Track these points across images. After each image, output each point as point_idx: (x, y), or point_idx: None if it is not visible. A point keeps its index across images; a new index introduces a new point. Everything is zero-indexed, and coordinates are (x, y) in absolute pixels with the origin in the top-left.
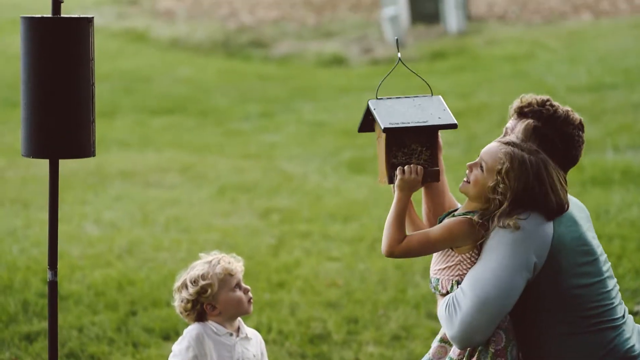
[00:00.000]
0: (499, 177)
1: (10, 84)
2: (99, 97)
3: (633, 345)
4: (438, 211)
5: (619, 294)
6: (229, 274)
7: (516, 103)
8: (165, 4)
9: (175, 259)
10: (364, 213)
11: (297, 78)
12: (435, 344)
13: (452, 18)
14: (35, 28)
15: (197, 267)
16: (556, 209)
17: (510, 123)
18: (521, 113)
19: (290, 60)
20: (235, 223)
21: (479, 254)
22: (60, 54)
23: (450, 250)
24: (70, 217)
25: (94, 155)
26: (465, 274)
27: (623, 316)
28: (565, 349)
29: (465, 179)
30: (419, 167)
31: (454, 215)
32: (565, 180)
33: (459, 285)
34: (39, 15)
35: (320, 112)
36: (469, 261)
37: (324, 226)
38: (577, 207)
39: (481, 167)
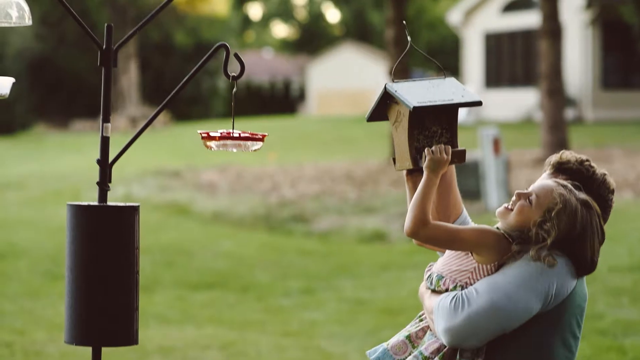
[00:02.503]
0: (547, 215)
1: (52, 257)
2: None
3: None
4: (443, 203)
5: None
6: None
7: (554, 158)
8: (208, 177)
9: None
10: None
11: (338, 254)
12: (399, 337)
13: (493, 195)
14: (82, 216)
15: None
16: (588, 267)
17: (544, 177)
18: (559, 169)
19: (331, 236)
20: None
21: (496, 270)
22: (106, 243)
23: (470, 255)
24: None
25: (136, 343)
26: (472, 282)
27: None
28: None
29: (507, 205)
30: (448, 146)
31: None
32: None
33: (463, 289)
34: (86, 203)
35: (361, 290)
36: (483, 272)
37: None
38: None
39: (529, 199)
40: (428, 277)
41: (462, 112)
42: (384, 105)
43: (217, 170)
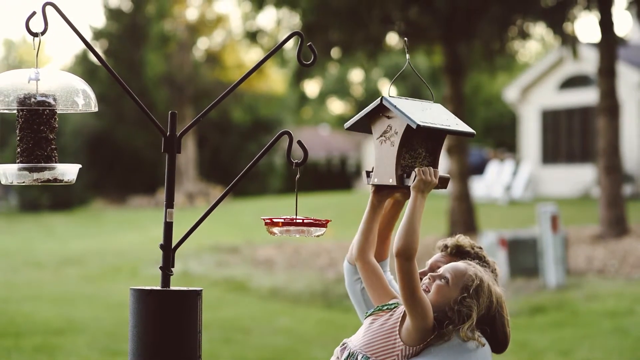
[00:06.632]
0: (466, 292)
1: (111, 333)
2: None
3: None
4: (389, 228)
5: None
6: None
7: (451, 241)
8: (265, 253)
9: None
10: None
11: None
12: None
13: (552, 273)
14: (145, 300)
15: None
16: (506, 341)
17: (438, 258)
18: (456, 253)
19: None
20: None
21: (419, 351)
22: (169, 327)
23: (398, 336)
24: None
25: None
26: None
27: None
28: None
29: (424, 287)
30: (436, 170)
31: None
32: None
33: None
34: (149, 288)
35: None
36: (409, 354)
37: None
38: None
39: (446, 279)
40: (350, 355)
41: (519, 189)
42: (371, 118)
43: (274, 246)
